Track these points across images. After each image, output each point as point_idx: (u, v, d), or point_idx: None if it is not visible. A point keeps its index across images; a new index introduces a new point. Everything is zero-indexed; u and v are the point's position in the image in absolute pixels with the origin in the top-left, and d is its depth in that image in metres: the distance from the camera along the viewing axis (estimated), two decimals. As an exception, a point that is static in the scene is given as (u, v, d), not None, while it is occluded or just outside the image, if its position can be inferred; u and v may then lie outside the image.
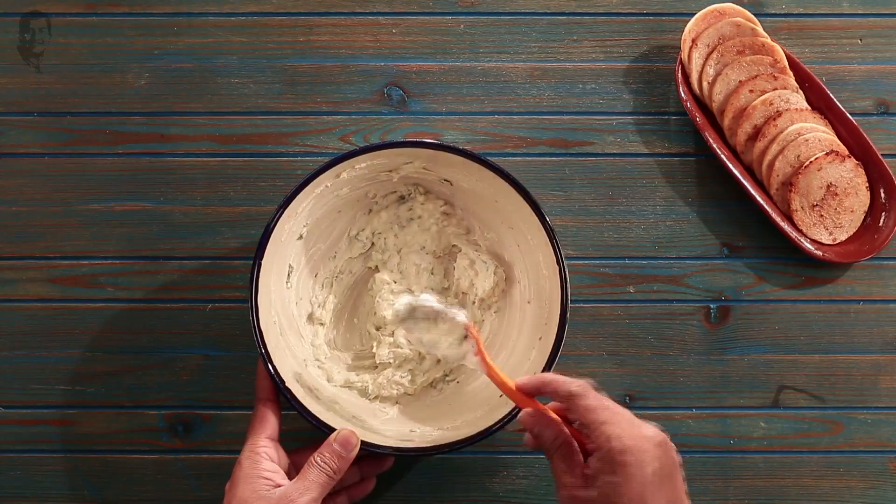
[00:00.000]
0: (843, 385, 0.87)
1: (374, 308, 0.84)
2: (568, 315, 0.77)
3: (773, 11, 0.90)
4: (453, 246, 0.86)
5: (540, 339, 0.80)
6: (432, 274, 0.85)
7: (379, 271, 0.85)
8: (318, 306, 0.84)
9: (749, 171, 0.88)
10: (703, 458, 0.86)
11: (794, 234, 0.86)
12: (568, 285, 0.77)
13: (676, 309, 0.88)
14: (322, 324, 0.84)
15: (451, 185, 0.83)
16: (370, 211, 0.85)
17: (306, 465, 0.73)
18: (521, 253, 0.83)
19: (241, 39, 0.89)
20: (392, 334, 0.83)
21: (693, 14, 0.88)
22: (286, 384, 0.76)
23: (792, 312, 0.88)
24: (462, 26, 0.90)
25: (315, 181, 0.77)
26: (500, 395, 0.79)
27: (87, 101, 0.88)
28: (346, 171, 0.79)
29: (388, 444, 0.76)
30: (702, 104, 0.88)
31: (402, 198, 0.85)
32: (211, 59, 0.89)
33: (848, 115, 0.87)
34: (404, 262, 0.85)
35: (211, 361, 0.86)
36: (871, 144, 0.86)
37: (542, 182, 0.88)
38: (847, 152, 0.86)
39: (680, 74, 0.87)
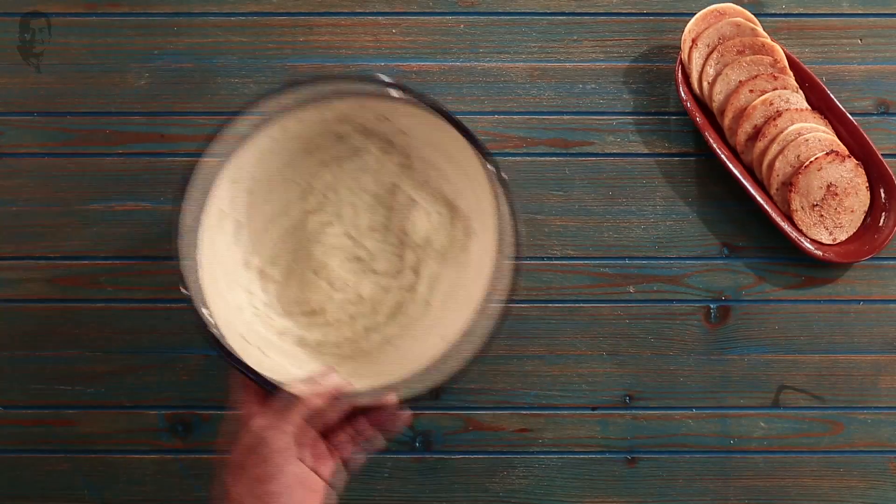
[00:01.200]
0: (843, 385, 0.87)
1: (311, 253, 0.81)
2: (520, 259, 0.74)
3: (773, 11, 0.90)
4: (394, 185, 0.82)
5: (496, 287, 0.76)
6: (372, 214, 0.82)
7: (317, 215, 0.82)
8: (255, 254, 0.80)
9: (749, 171, 0.88)
10: (703, 458, 0.86)
11: (794, 234, 0.86)
12: (517, 220, 0.73)
13: (676, 309, 0.88)
14: (260, 271, 0.80)
15: (390, 121, 0.79)
16: (310, 155, 0.81)
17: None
18: (475, 201, 0.78)
19: (241, 39, 0.89)
20: (343, 287, 0.81)
21: (693, 14, 0.88)
22: (219, 328, 0.72)
23: (792, 312, 0.88)
24: (462, 26, 0.90)
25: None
26: (446, 340, 0.76)
27: (87, 101, 0.88)
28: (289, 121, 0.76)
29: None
30: (702, 104, 0.88)
31: (340, 138, 0.81)
32: (211, 59, 0.89)
33: (848, 115, 0.87)
34: (343, 203, 0.82)
35: (211, 361, 0.86)
36: (871, 144, 0.86)
37: (542, 182, 0.88)
38: (847, 152, 0.86)
39: (680, 74, 0.87)
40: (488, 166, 0.74)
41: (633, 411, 0.87)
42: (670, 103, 0.89)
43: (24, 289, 0.87)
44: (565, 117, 0.89)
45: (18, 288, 0.87)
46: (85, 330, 0.86)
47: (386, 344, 0.80)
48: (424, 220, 0.81)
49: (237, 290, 0.79)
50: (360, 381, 0.75)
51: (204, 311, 0.72)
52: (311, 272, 0.82)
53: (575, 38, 0.90)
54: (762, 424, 0.87)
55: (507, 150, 0.89)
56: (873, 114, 0.89)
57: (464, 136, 0.73)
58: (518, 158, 0.89)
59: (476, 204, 0.78)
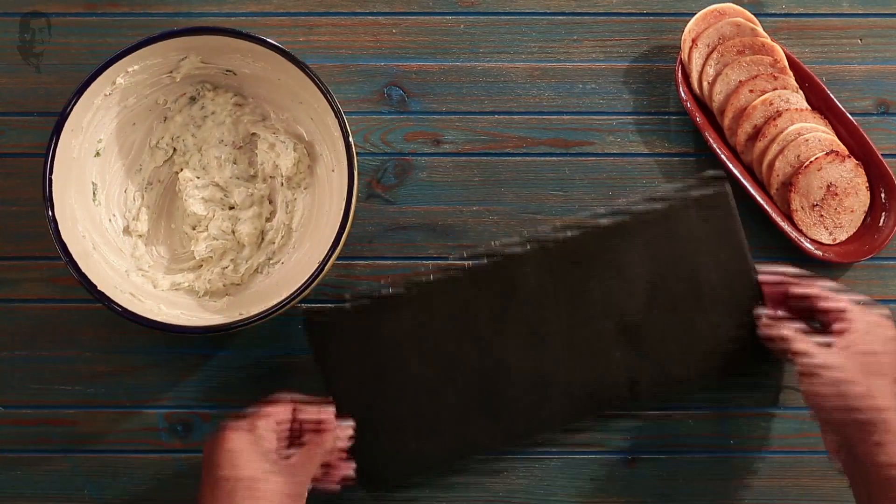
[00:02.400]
0: (843, 385, 0.87)
1: (185, 208, 0.85)
2: (355, 161, 0.78)
3: (773, 11, 0.90)
4: (252, 134, 0.87)
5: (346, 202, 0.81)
6: (235, 164, 0.87)
7: (183, 172, 0.86)
8: (133, 219, 0.85)
9: (749, 171, 0.88)
10: (703, 458, 0.86)
11: (794, 234, 0.86)
12: (348, 133, 0.79)
13: (676, 309, 0.87)
14: (140, 235, 0.85)
15: (235, 74, 0.85)
16: (165, 119, 0.86)
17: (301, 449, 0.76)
18: (315, 125, 0.85)
19: (241, 39, 0.89)
20: (206, 229, 0.85)
21: (693, 14, 0.88)
22: (99, 288, 0.77)
23: (792, 312, 0.88)
24: (462, 26, 0.90)
25: (90, 90, 0.79)
26: (318, 264, 0.79)
27: (87, 101, 0.88)
28: (122, 77, 0.80)
29: (213, 324, 0.78)
30: (702, 104, 0.88)
31: (192, 98, 0.86)
32: (211, 59, 0.89)
33: (848, 115, 0.87)
34: (205, 157, 0.86)
35: (211, 361, 0.86)
36: (871, 144, 0.86)
37: (542, 182, 0.88)
38: (847, 152, 0.86)
39: (680, 74, 0.87)
40: (328, 97, 0.79)
41: (633, 411, 0.87)
42: (670, 103, 0.89)
43: (24, 289, 0.87)
44: (565, 117, 0.89)
45: (18, 288, 0.87)
46: (85, 330, 0.86)
47: (257, 274, 0.85)
48: (273, 153, 0.86)
49: (120, 256, 0.84)
50: (237, 311, 0.81)
51: (88, 275, 0.78)
52: (176, 223, 0.87)
53: (575, 38, 0.90)
54: (762, 424, 0.87)
55: (507, 150, 0.89)
56: (873, 114, 0.89)
57: (287, 59, 0.79)
58: (518, 158, 0.89)
59: (320, 132, 0.84)
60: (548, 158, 0.89)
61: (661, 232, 0.83)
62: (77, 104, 0.78)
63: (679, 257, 0.83)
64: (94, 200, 0.83)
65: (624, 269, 0.83)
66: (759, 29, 0.87)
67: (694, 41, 0.87)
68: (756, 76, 0.86)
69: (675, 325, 0.83)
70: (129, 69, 0.81)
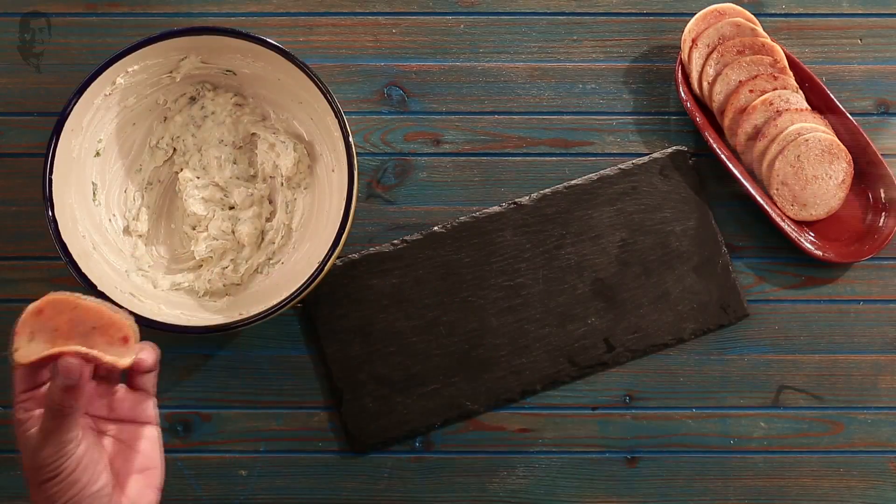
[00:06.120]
0: (843, 385, 0.87)
1: (185, 208, 0.86)
2: (355, 161, 0.79)
3: (773, 11, 0.90)
4: (253, 134, 0.87)
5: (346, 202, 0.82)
6: (235, 164, 0.87)
7: (183, 172, 0.87)
8: (133, 219, 0.86)
9: (749, 171, 0.88)
10: (703, 458, 0.86)
11: (794, 234, 0.86)
12: (349, 133, 0.79)
13: (676, 309, 0.88)
14: (140, 235, 0.86)
15: (235, 74, 0.85)
16: (165, 119, 0.86)
17: (43, 410, 0.64)
18: (315, 125, 0.85)
19: (241, 39, 0.89)
20: (206, 229, 0.85)
21: (693, 14, 0.88)
22: (99, 288, 0.78)
23: (792, 312, 0.88)
24: (462, 26, 0.90)
25: (90, 90, 0.79)
26: (318, 264, 0.79)
27: (87, 101, 0.88)
28: (122, 77, 0.81)
29: (213, 324, 0.79)
30: (702, 104, 0.88)
31: (192, 99, 0.87)
32: (211, 59, 0.89)
33: (848, 115, 0.87)
34: (205, 157, 0.87)
35: (211, 361, 0.86)
36: (871, 144, 0.86)
37: (543, 182, 0.88)
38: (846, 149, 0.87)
39: (680, 74, 0.87)
40: (328, 97, 0.80)
41: (633, 411, 0.87)
42: (670, 103, 0.89)
43: (24, 289, 0.87)
44: (565, 117, 0.89)
45: (18, 288, 0.87)
46: (85, 330, 0.86)
47: (257, 274, 0.86)
48: (273, 153, 0.86)
49: (120, 256, 0.84)
50: (236, 311, 0.82)
51: (88, 275, 0.78)
52: (176, 223, 0.87)
53: (575, 38, 0.90)
54: (762, 424, 0.87)
55: (507, 150, 0.89)
56: (873, 114, 0.89)
57: (286, 58, 0.80)
58: (518, 158, 0.89)
59: (320, 132, 0.85)
60: (548, 158, 0.89)
61: (627, 189, 0.87)
62: (77, 104, 0.79)
63: (644, 213, 0.86)
64: (94, 200, 0.83)
65: (594, 225, 0.86)
66: (759, 29, 0.87)
67: (694, 41, 0.87)
68: (756, 76, 0.86)
69: (645, 280, 0.86)
70: (129, 69, 0.81)
